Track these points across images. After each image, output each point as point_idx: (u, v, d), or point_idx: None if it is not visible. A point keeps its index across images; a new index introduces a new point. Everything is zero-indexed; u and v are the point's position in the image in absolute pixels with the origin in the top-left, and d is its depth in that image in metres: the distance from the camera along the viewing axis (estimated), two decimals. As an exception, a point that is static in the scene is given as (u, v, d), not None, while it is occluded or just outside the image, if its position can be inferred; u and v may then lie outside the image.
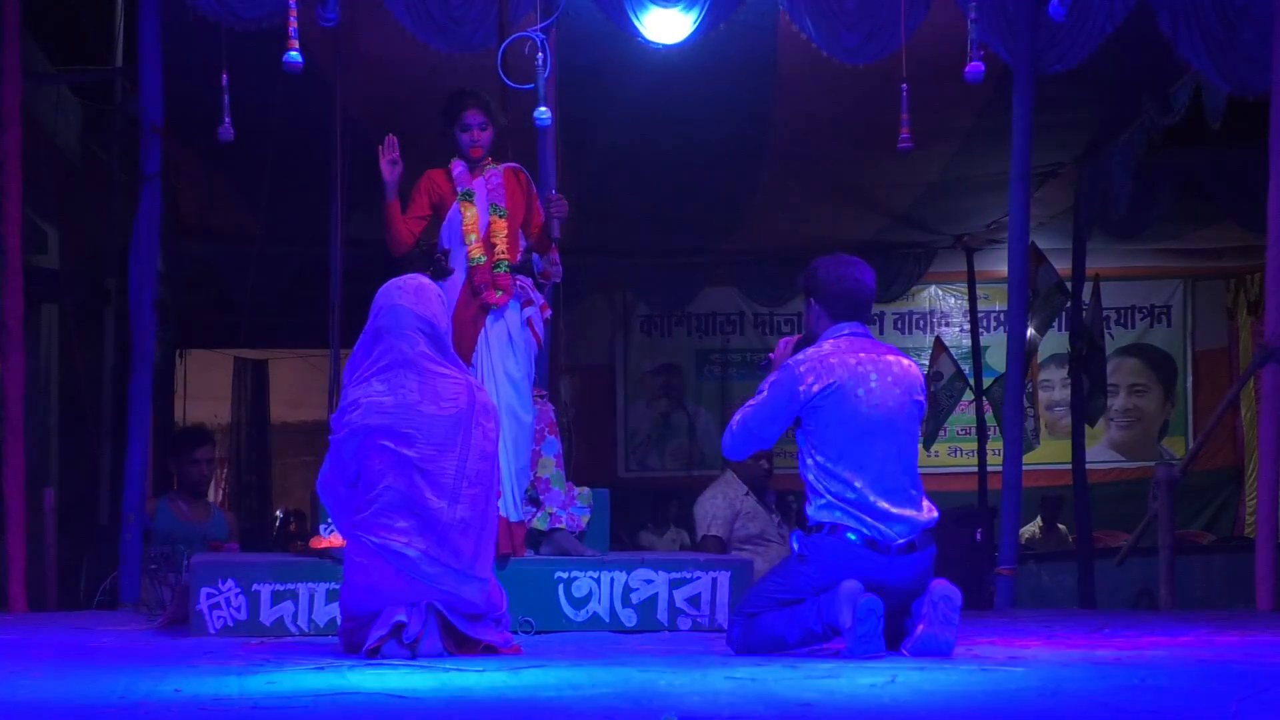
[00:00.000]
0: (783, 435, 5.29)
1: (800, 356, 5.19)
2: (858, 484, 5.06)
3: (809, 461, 5.14)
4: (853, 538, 5.03)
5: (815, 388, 5.10)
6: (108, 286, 9.45)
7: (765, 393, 5.21)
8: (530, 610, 5.90)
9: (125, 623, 6.26)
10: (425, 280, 5.32)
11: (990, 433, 12.60)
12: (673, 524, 12.81)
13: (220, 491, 13.61)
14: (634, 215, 11.35)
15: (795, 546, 5.14)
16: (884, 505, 5.06)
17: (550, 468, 6.53)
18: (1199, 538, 12.40)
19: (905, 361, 5.26)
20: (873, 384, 5.12)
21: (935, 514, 5.16)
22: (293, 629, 5.82)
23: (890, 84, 7.41)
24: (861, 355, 5.16)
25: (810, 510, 5.13)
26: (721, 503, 8.29)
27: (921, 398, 5.23)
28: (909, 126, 7.41)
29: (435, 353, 5.14)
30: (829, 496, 5.08)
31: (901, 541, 5.05)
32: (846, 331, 5.22)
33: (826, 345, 5.20)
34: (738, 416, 5.28)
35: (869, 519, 5.04)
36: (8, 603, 7.12)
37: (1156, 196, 10.30)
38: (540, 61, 6.65)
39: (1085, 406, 10.88)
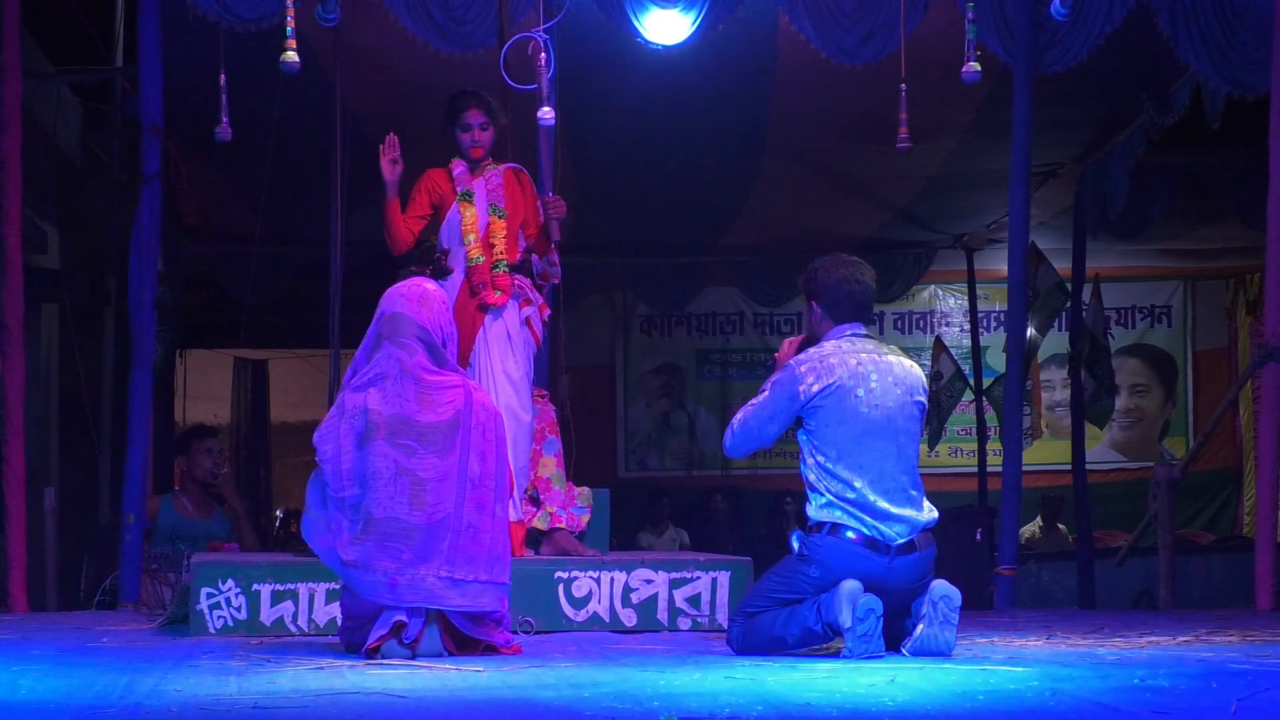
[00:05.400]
0: (784, 435, 5.30)
1: (801, 357, 5.20)
2: (858, 484, 5.07)
3: (810, 461, 5.15)
4: (852, 536, 5.04)
5: (815, 388, 5.11)
6: (108, 286, 9.46)
7: (766, 392, 5.22)
8: (530, 610, 5.89)
9: (125, 623, 6.25)
10: (430, 287, 5.28)
11: (990, 433, 12.60)
12: (670, 523, 12.82)
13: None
14: (634, 214, 11.36)
15: (795, 546, 5.15)
16: (884, 505, 5.07)
17: (550, 467, 6.53)
18: (1199, 538, 12.40)
19: (907, 362, 5.26)
20: (873, 384, 5.13)
21: (935, 514, 5.17)
22: (293, 629, 5.82)
23: (889, 79, 7.42)
24: (863, 356, 5.17)
25: (810, 510, 5.14)
26: None
27: (923, 398, 5.24)
28: (907, 126, 7.42)
29: (434, 362, 5.12)
30: (829, 496, 5.09)
31: (901, 541, 5.06)
32: (848, 332, 5.24)
33: (828, 346, 5.20)
34: (739, 415, 5.29)
35: (869, 519, 5.05)
36: (8, 603, 7.12)
37: (1156, 196, 10.30)
38: (544, 62, 6.64)
39: (1091, 407, 10.87)
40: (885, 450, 5.11)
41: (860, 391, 5.11)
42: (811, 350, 5.22)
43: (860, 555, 5.03)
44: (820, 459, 5.12)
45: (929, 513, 5.15)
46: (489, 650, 5.03)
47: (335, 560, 4.98)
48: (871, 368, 5.15)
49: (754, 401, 5.25)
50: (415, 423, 5.00)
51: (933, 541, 5.15)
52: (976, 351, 12.93)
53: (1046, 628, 6.04)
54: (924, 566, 5.10)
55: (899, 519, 5.07)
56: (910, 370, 5.24)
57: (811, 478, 5.14)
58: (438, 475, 4.97)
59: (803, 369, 5.14)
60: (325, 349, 8.50)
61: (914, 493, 5.15)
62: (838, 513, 5.06)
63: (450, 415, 5.04)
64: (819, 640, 5.04)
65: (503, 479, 5.13)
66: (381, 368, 5.09)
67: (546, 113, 6.69)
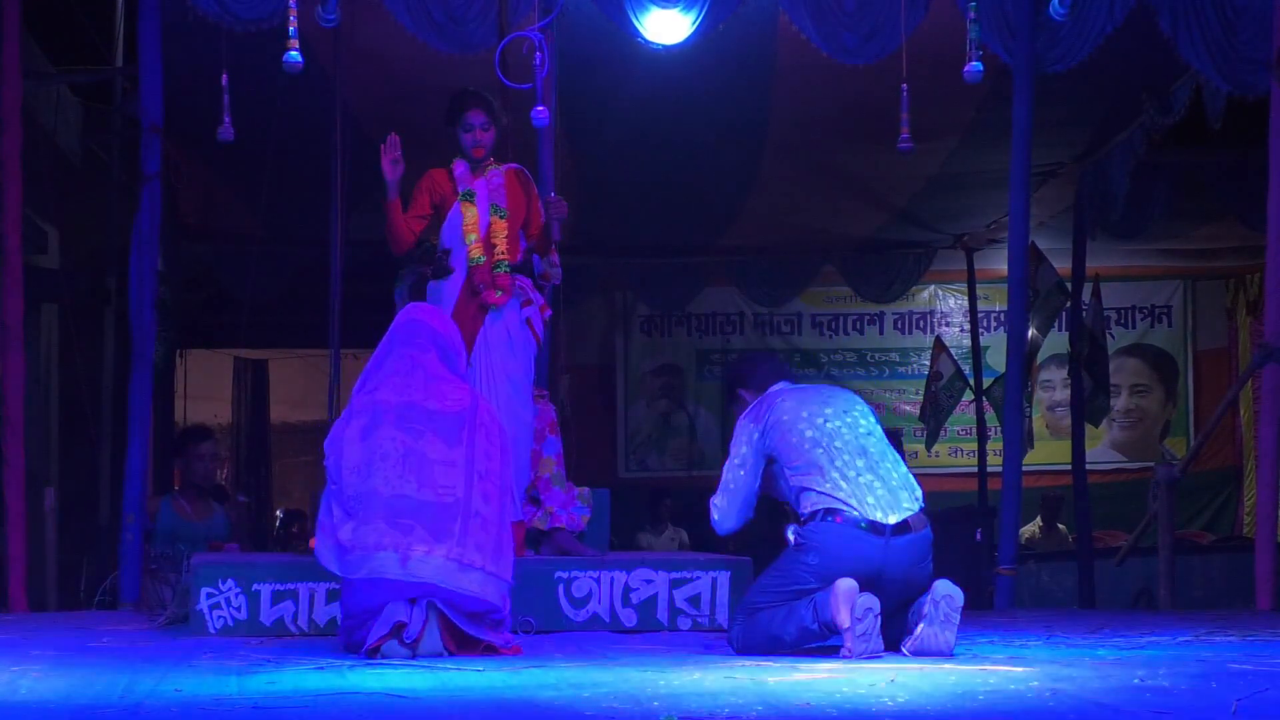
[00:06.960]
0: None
1: (744, 412, 5.43)
2: (839, 462, 5.17)
3: (792, 482, 5.26)
4: (847, 516, 5.06)
5: (767, 416, 5.31)
6: (108, 286, 9.46)
7: (732, 458, 5.37)
8: (530, 610, 5.89)
9: (125, 623, 6.25)
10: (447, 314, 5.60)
11: (990, 433, 12.60)
12: (670, 523, 12.82)
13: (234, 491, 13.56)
14: (634, 214, 11.36)
15: (791, 539, 5.18)
16: (866, 479, 5.15)
17: (550, 467, 6.53)
18: (1199, 538, 12.39)
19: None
20: (814, 398, 5.37)
21: (920, 491, 5.24)
22: (293, 629, 5.82)
23: (890, 79, 7.42)
24: (796, 391, 5.46)
25: (802, 510, 5.17)
26: None
27: (872, 412, 5.45)
28: (908, 126, 7.42)
29: (444, 365, 5.28)
30: (815, 491, 5.15)
31: (894, 520, 5.07)
32: (780, 386, 5.49)
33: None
34: (717, 491, 5.44)
35: (854, 501, 5.09)
36: (8, 603, 7.12)
37: (1156, 196, 10.31)
38: (538, 61, 6.64)
39: (1088, 406, 10.88)
40: (852, 434, 5.24)
41: (806, 403, 5.33)
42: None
43: (856, 536, 5.05)
44: (795, 467, 5.24)
45: (915, 492, 5.22)
46: (489, 650, 5.03)
47: (336, 551, 4.98)
48: (810, 392, 5.45)
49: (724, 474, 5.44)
50: (422, 408, 5.07)
51: (928, 524, 5.17)
52: (976, 351, 12.93)
53: (1046, 628, 6.04)
54: (921, 549, 5.11)
55: (885, 497, 5.13)
56: (847, 388, 5.61)
57: (796, 484, 5.24)
58: (446, 461, 5.01)
59: (748, 417, 5.39)
60: (325, 349, 8.52)
61: (892, 467, 5.24)
62: (826, 498, 5.10)
63: (457, 409, 5.11)
64: (817, 639, 5.05)
65: (507, 482, 5.17)
66: (393, 368, 5.22)
67: (540, 112, 6.70)
